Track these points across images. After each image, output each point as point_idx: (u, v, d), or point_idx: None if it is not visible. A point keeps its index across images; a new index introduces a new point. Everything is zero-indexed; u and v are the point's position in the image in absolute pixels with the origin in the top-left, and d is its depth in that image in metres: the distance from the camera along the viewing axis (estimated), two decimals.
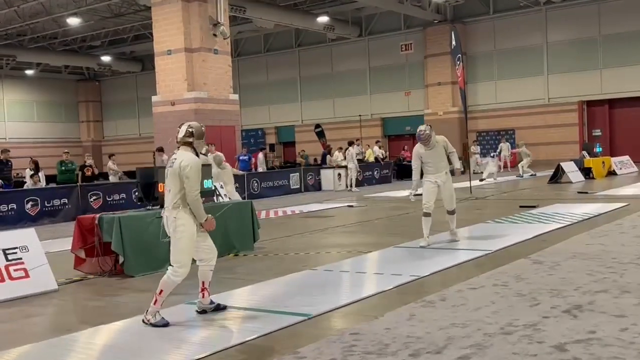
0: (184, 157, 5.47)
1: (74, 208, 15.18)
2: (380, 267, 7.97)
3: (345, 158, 22.56)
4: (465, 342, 4.48)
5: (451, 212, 9.31)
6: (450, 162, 9.37)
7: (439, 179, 9.03)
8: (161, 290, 5.43)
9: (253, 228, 9.50)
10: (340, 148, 24.65)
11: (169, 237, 5.57)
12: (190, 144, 5.56)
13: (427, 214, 8.96)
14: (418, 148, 9.07)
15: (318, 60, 38.30)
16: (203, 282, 5.69)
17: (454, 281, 6.62)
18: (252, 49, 40.49)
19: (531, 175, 24.31)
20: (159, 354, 4.73)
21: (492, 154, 26.28)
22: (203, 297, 5.73)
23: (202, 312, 5.73)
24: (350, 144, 23.19)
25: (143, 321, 5.44)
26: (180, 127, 5.63)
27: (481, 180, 22.38)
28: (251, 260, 8.82)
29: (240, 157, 22.67)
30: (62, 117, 47.08)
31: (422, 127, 8.97)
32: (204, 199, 8.76)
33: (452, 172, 9.41)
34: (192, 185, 5.41)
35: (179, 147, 5.59)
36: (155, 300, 5.42)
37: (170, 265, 5.52)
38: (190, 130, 5.55)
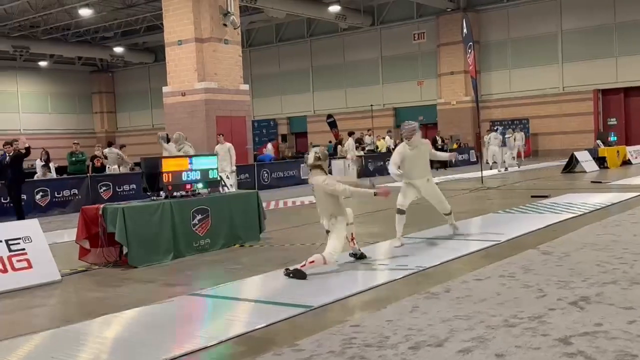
0: (319, 179, 6.89)
1: (83, 198, 15.24)
2: (386, 258, 7.87)
3: (355, 148, 22.43)
4: (467, 335, 4.38)
5: (447, 214, 8.92)
6: (439, 162, 9.10)
7: (421, 186, 8.56)
8: (312, 261, 6.52)
9: (259, 219, 9.45)
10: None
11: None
12: (319, 167, 6.96)
13: (400, 211, 8.44)
14: (402, 148, 8.55)
15: (330, 50, 38.11)
16: (352, 234, 7.26)
17: (460, 272, 6.51)
18: (263, 39, 40.37)
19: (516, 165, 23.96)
20: (159, 346, 4.66)
21: (506, 135, 25.03)
22: (354, 244, 7.35)
23: (354, 255, 7.34)
24: (351, 134, 23.03)
25: (286, 270, 6.63)
26: (308, 153, 7.09)
27: (490, 168, 22.15)
28: (256, 251, 8.77)
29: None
30: (75, 109, 47.28)
31: (409, 121, 8.62)
32: (209, 190, 8.76)
33: (446, 165, 9.21)
34: (338, 192, 6.85)
35: (310, 170, 7.04)
36: (304, 265, 6.49)
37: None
38: (317, 155, 6.94)
